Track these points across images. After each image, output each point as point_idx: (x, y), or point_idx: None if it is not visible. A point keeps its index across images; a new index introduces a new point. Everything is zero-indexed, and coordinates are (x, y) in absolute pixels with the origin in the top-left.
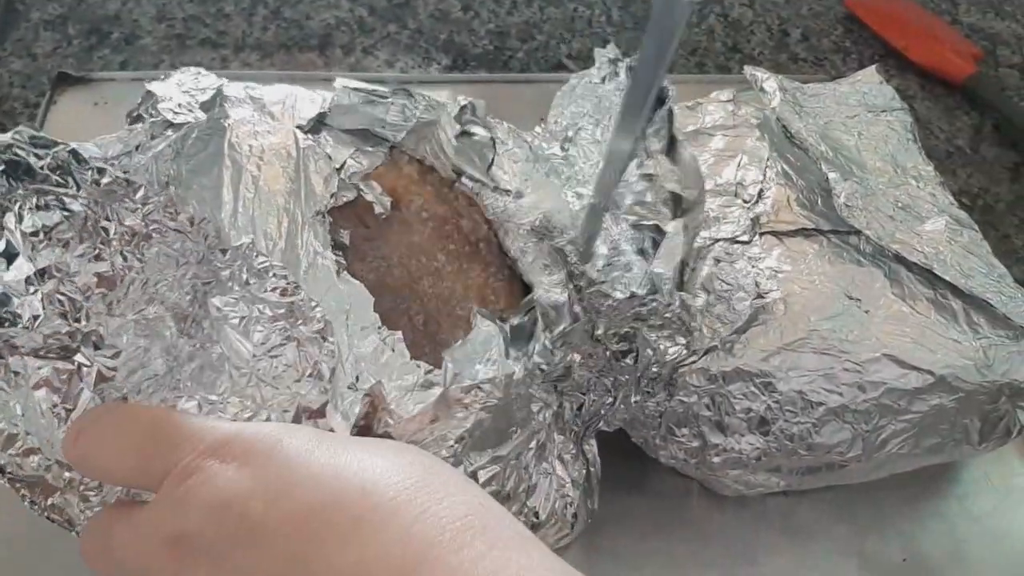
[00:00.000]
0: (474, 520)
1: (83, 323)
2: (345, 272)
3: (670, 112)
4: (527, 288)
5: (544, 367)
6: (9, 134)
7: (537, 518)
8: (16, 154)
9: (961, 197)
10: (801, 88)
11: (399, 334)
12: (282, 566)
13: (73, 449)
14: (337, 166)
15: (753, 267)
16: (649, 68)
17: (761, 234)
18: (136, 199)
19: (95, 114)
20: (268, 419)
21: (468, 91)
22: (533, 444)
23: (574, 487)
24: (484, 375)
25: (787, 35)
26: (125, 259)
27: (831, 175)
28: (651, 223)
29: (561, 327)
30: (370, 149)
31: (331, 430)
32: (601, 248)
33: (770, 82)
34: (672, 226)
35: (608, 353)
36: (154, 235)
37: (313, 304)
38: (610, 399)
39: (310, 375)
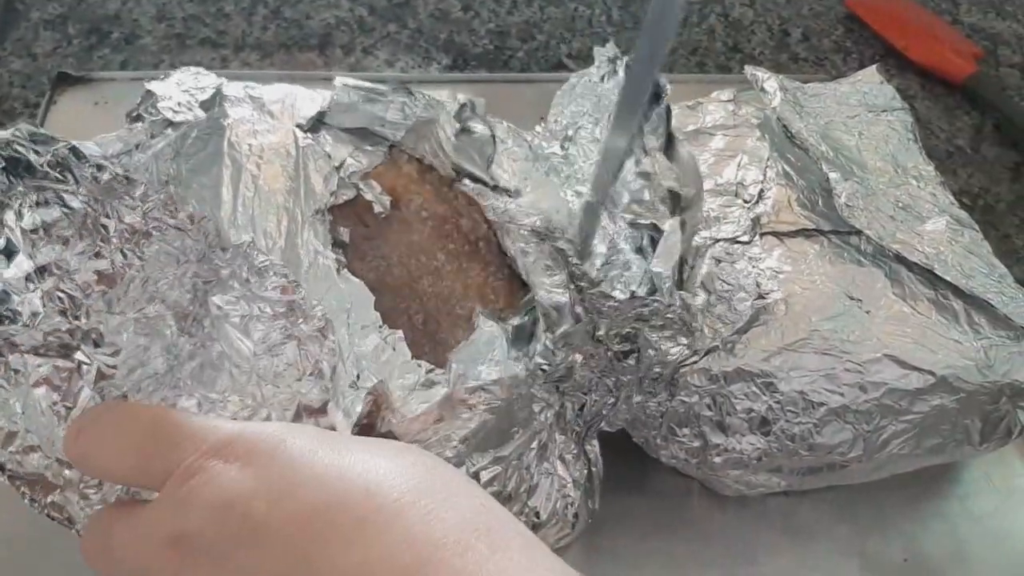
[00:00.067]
0: (478, 523)
1: (83, 321)
2: (345, 270)
3: (667, 110)
4: (527, 287)
5: (545, 368)
6: (9, 131)
7: (538, 518)
8: (16, 151)
9: (962, 197)
10: (802, 88)
11: (400, 333)
12: (285, 567)
13: (74, 447)
14: (336, 165)
15: (754, 267)
16: (645, 66)
17: (762, 234)
18: (136, 196)
19: (95, 114)
20: (268, 417)
21: (468, 91)
22: (535, 444)
23: (575, 487)
24: (488, 376)
25: (788, 35)
26: (125, 257)
27: (832, 175)
28: (648, 222)
29: (563, 328)
30: (369, 148)
31: (333, 428)
32: (599, 246)
33: (771, 82)
34: (669, 224)
35: (610, 354)
36: (154, 233)
37: (314, 303)
38: (612, 399)
39: (311, 373)
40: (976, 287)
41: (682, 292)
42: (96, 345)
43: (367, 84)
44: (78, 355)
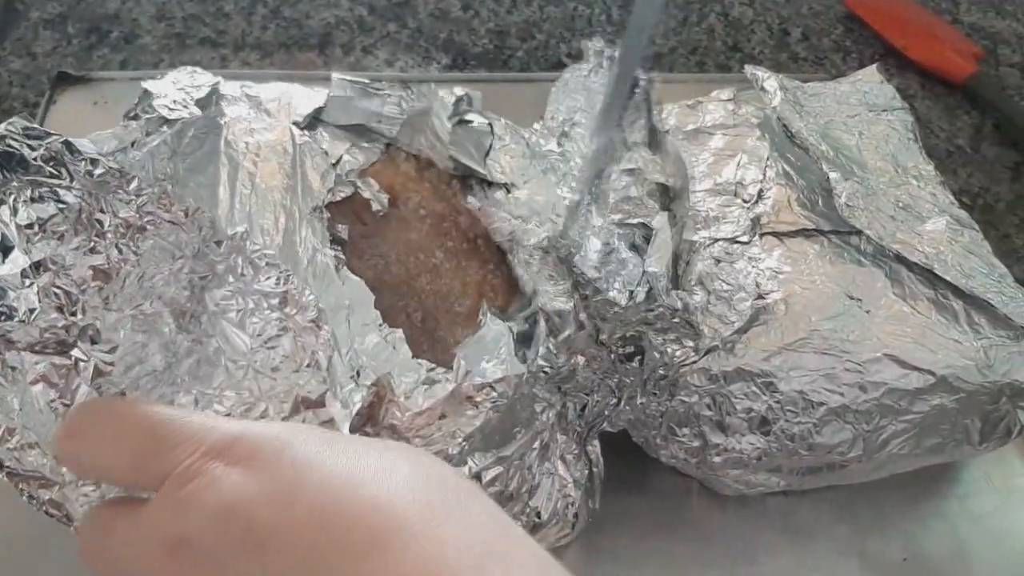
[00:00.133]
0: (492, 544)
1: (79, 317)
2: (344, 268)
3: (648, 102)
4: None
5: (547, 370)
6: (2, 125)
7: (539, 518)
8: (9, 145)
9: (962, 197)
10: (801, 87)
11: (400, 332)
12: None
13: (65, 447)
14: (333, 161)
15: (754, 267)
16: (629, 63)
17: (762, 234)
18: (130, 190)
19: (95, 113)
20: (266, 411)
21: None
22: (536, 444)
23: (576, 487)
24: (493, 374)
25: (787, 34)
26: (120, 252)
27: (832, 175)
28: (637, 221)
29: (566, 333)
30: (366, 144)
31: (331, 420)
32: (594, 245)
33: (770, 81)
34: (658, 221)
35: (613, 356)
36: (148, 227)
37: (307, 292)
38: (614, 400)
39: (308, 365)
40: (976, 287)
41: (679, 292)
42: (93, 342)
43: (364, 80)
44: (75, 352)
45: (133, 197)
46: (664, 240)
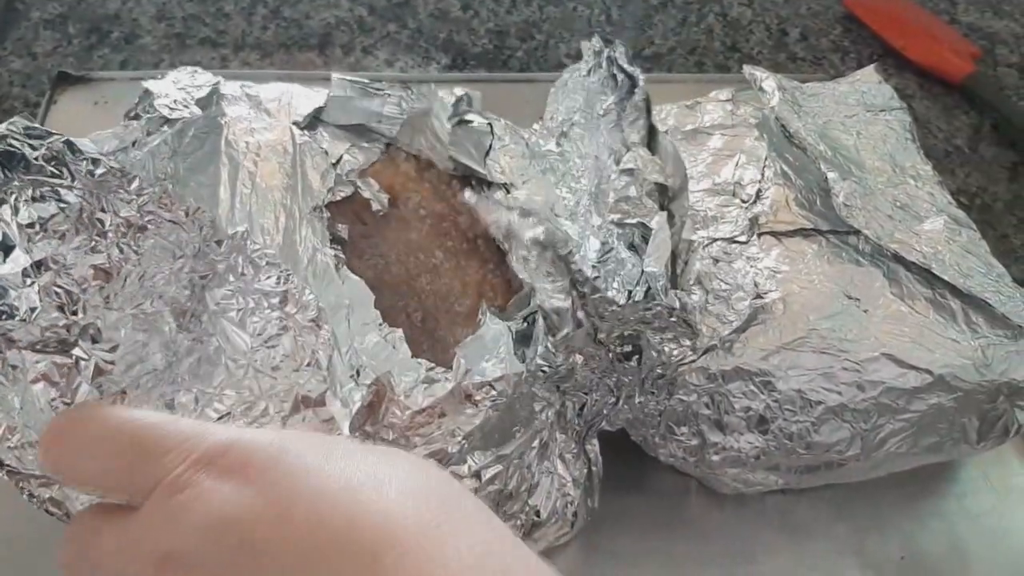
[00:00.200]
0: (494, 561)
1: (80, 316)
2: (344, 268)
3: (647, 102)
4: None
5: (546, 369)
6: (3, 125)
7: (538, 516)
8: (11, 145)
9: (959, 196)
10: (800, 87)
11: (400, 332)
12: None
13: (48, 456)
14: (333, 161)
15: (752, 267)
16: None
17: (760, 234)
18: (131, 190)
19: (95, 113)
20: (266, 409)
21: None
22: (536, 443)
23: (575, 486)
24: (492, 373)
25: (786, 34)
26: (121, 251)
27: (830, 175)
28: (635, 220)
29: (564, 331)
30: (366, 144)
31: (331, 418)
32: (593, 244)
33: (769, 81)
34: (656, 221)
35: (611, 355)
36: (149, 226)
37: (307, 291)
38: (613, 399)
39: (308, 364)
40: (974, 286)
41: (678, 291)
42: (94, 341)
43: (364, 80)
44: (76, 351)
45: (134, 196)
46: (663, 240)
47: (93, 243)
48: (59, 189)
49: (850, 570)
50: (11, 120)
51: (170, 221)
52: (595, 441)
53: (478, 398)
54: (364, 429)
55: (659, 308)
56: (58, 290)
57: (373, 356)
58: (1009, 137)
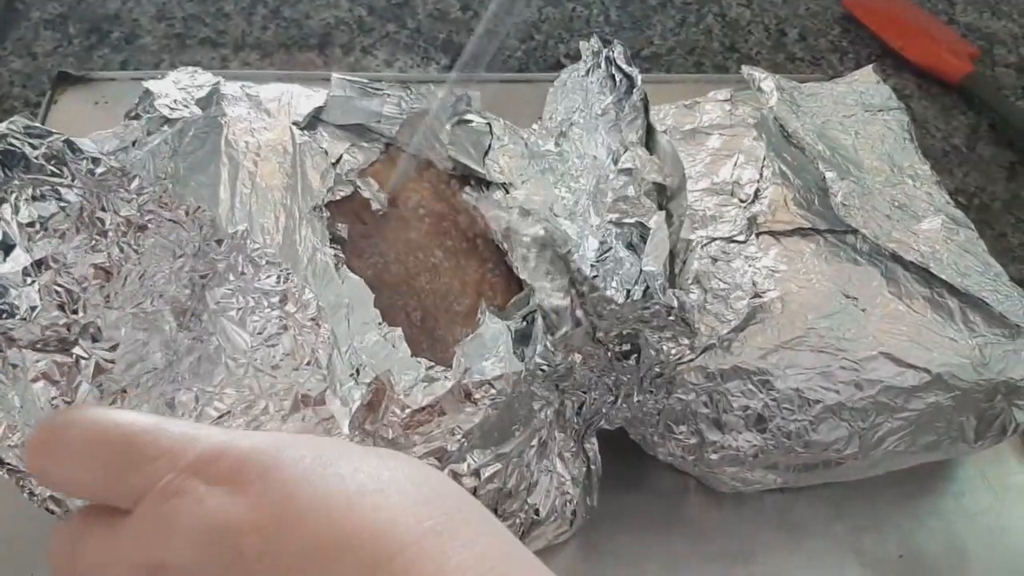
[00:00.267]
0: (497, 566)
1: (80, 315)
2: (344, 267)
3: (645, 102)
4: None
5: (545, 368)
6: (4, 124)
7: (537, 515)
8: (11, 144)
9: (957, 196)
10: (798, 87)
11: (399, 331)
12: None
13: (34, 461)
14: (333, 161)
15: (750, 266)
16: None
17: (758, 234)
18: (131, 189)
19: (95, 113)
20: (266, 408)
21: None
22: (535, 442)
23: (574, 484)
24: (492, 372)
25: (784, 35)
26: (122, 250)
27: (828, 174)
28: (633, 220)
29: (563, 330)
30: (366, 144)
31: (331, 417)
32: (591, 244)
33: (767, 81)
34: (655, 221)
35: (610, 354)
36: (150, 226)
37: (306, 291)
38: (611, 398)
39: (308, 363)
40: (971, 285)
41: (676, 290)
42: (94, 340)
43: (363, 79)
44: (76, 350)
45: (134, 196)
46: (661, 239)
47: (93, 242)
48: (59, 188)
49: (848, 568)
50: (11, 119)
51: (170, 220)
52: (594, 440)
53: (477, 397)
54: (364, 427)
55: (657, 307)
56: (58, 289)
57: (373, 355)
58: (1007, 137)
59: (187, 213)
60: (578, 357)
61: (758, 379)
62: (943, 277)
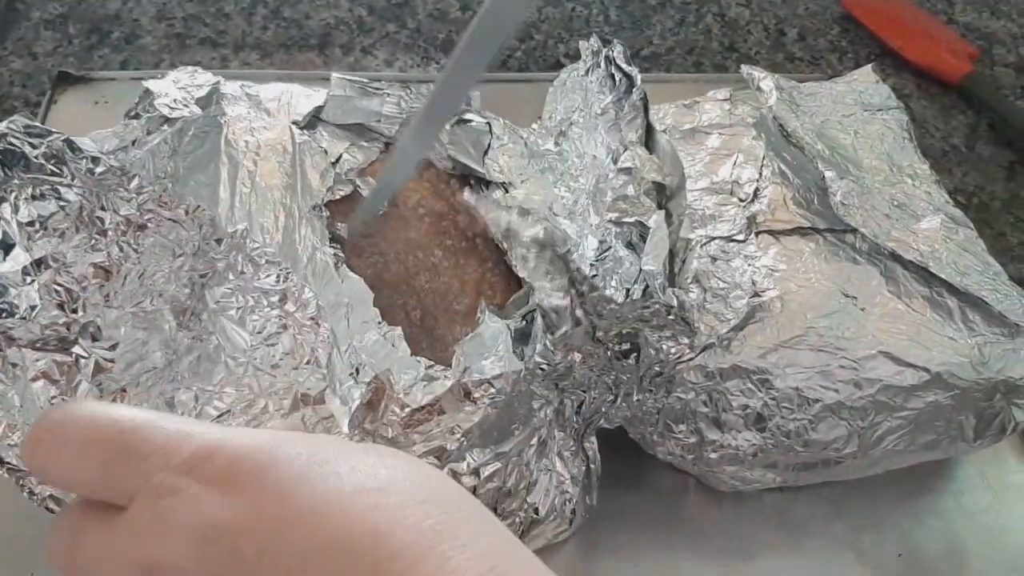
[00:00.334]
0: (497, 566)
1: (80, 314)
2: (344, 267)
3: (644, 101)
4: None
5: (545, 367)
6: (3, 123)
7: (537, 514)
8: (11, 143)
9: (956, 195)
10: (797, 87)
11: (399, 330)
12: None
13: (31, 457)
14: (333, 160)
15: (749, 265)
16: (462, 78)
17: (757, 233)
18: (130, 188)
19: (96, 113)
20: (266, 407)
21: None
22: (534, 441)
23: (573, 483)
24: (492, 371)
25: (784, 34)
26: (121, 249)
27: (827, 174)
28: (633, 219)
29: (563, 330)
30: (365, 144)
31: (331, 416)
32: (591, 243)
33: (767, 81)
34: (654, 220)
35: (609, 353)
36: (149, 225)
37: (306, 290)
38: (611, 397)
39: (307, 362)
40: (970, 285)
41: (675, 289)
42: (94, 339)
43: (363, 79)
44: (76, 349)
45: (134, 195)
46: (660, 238)
47: (93, 241)
48: (59, 187)
49: (847, 568)
50: (11, 119)
51: (170, 219)
52: (593, 439)
53: (477, 396)
54: (363, 427)
55: (657, 306)
56: (58, 288)
57: (372, 354)
58: (1006, 136)
59: (187, 212)
60: (577, 356)
61: (757, 378)
62: (942, 276)
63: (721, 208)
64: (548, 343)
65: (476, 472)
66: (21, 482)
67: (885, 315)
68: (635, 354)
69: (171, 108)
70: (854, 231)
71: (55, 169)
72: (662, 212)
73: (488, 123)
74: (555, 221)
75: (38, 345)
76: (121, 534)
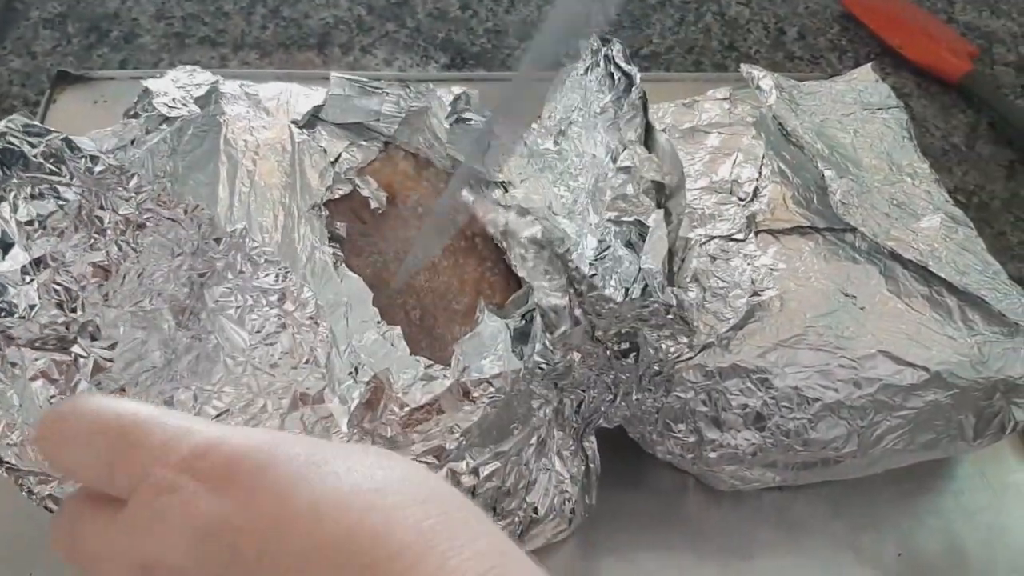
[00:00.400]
0: (497, 570)
1: (79, 313)
2: (343, 265)
3: (644, 100)
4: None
5: (544, 366)
6: (2, 122)
7: (536, 513)
8: (10, 142)
9: (956, 195)
10: (797, 86)
11: (398, 329)
12: None
13: (42, 446)
14: (332, 160)
15: (749, 264)
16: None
17: (757, 232)
18: (129, 188)
19: (95, 112)
20: (265, 406)
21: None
22: (533, 440)
23: (572, 483)
24: (491, 370)
25: (783, 33)
26: (120, 248)
27: (827, 173)
28: (632, 218)
29: (562, 329)
30: (364, 143)
31: (329, 416)
32: (590, 243)
33: (766, 80)
34: (653, 219)
35: (608, 352)
36: (148, 224)
37: (305, 289)
38: (610, 396)
39: (306, 361)
40: (970, 284)
41: (674, 288)
42: (93, 338)
43: (362, 78)
44: (75, 348)
45: (133, 194)
46: (659, 237)
47: (92, 240)
48: (58, 187)
49: (847, 567)
50: (10, 118)
51: (169, 219)
52: (593, 438)
53: (476, 395)
54: (362, 426)
55: (656, 305)
56: (57, 287)
57: (371, 353)
58: (1006, 135)
59: (186, 211)
60: (577, 355)
61: (757, 377)
62: (942, 275)
63: (720, 207)
64: (547, 342)
65: (475, 471)
66: (20, 481)
67: (884, 314)
68: (634, 353)
69: (170, 107)
70: (853, 230)
71: (54, 168)
72: (661, 211)
73: (488, 122)
74: (554, 220)
75: (37, 344)
76: (120, 531)
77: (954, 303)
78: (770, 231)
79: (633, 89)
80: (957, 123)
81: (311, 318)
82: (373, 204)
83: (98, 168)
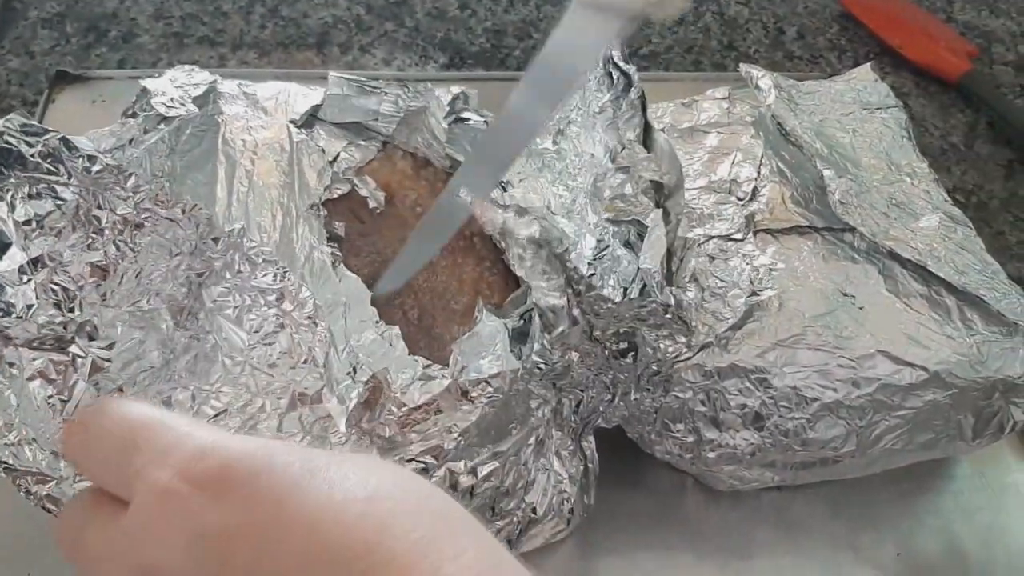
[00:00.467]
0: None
1: (77, 313)
2: (341, 265)
3: (642, 99)
4: (520, 283)
5: (542, 366)
6: (0, 122)
7: (535, 513)
8: (7, 142)
9: (955, 194)
10: (796, 86)
11: (397, 329)
12: None
13: (67, 448)
14: (330, 159)
15: (748, 264)
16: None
17: (756, 232)
18: (127, 187)
19: (93, 112)
20: (263, 406)
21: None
22: (532, 440)
23: (571, 483)
24: (489, 370)
25: (783, 33)
26: (118, 248)
27: (826, 172)
28: (630, 218)
29: (560, 329)
30: (363, 143)
31: (328, 416)
32: (588, 242)
33: (765, 80)
34: (651, 219)
35: (607, 352)
36: (146, 224)
37: (303, 289)
38: (608, 396)
39: (304, 361)
40: (969, 283)
41: (673, 288)
42: (91, 338)
43: (361, 77)
44: (73, 348)
45: (131, 194)
46: (658, 237)
47: (90, 240)
48: (55, 186)
49: (846, 567)
50: (7, 117)
51: (167, 218)
52: (591, 438)
53: (474, 395)
54: (360, 426)
55: (654, 305)
56: (55, 287)
57: (370, 353)
58: (1005, 135)
59: (184, 211)
60: (575, 355)
61: (755, 377)
62: (941, 275)
63: (719, 207)
64: (546, 342)
65: (474, 471)
66: (18, 481)
67: (883, 314)
68: (633, 353)
69: (168, 107)
70: (852, 230)
71: (52, 168)
72: (660, 211)
73: (486, 122)
74: (552, 220)
75: (35, 344)
76: (121, 534)
77: (953, 303)
78: (769, 231)
79: (632, 88)
80: (956, 123)
81: (309, 318)
82: (371, 204)
83: (96, 168)
